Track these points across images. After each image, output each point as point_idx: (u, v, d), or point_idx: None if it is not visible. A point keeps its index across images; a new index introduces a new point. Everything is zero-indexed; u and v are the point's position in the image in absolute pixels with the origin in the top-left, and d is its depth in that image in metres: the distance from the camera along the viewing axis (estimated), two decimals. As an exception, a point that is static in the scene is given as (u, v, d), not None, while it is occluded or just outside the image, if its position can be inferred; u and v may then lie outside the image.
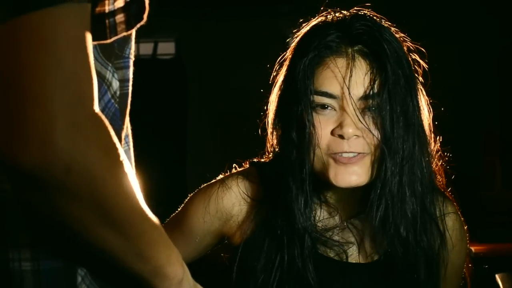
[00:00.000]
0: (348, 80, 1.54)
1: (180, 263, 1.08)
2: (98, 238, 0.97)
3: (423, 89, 1.65)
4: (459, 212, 1.73)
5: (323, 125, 1.55)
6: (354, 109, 1.53)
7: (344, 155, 1.54)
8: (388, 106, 1.53)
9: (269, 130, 1.68)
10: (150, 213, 1.02)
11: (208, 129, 6.94)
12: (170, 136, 6.62)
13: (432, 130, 1.66)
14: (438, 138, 1.69)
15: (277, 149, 1.68)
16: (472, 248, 3.27)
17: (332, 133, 1.55)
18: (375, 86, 1.54)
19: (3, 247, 0.99)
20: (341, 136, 1.53)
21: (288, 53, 1.65)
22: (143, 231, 1.00)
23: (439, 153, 1.70)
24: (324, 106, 1.56)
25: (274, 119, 1.66)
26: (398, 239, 1.58)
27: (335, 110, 1.56)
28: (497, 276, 3.39)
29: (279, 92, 1.65)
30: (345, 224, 1.65)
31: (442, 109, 1.68)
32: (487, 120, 6.42)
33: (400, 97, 1.55)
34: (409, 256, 1.60)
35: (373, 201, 1.56)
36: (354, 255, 1.65)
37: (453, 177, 1.74)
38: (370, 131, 1.53)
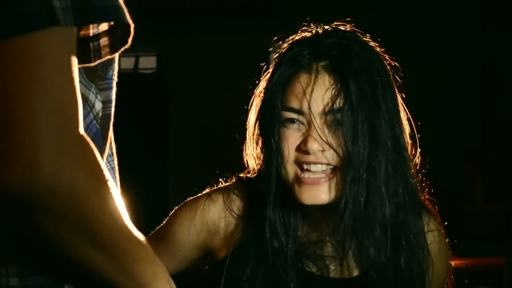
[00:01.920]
0: (309, 95, 1.55)
1: (166, 279, 1.09)
2: (84, 258, 0.98)
3: (403, 104, 1.64)
4: (441, 228, 1.72)
5: (290, 141, 1.57)
6: (318, 125, 1.54)
7: (312, 167, 1.54)
8: (351, 120, 1.53)
9: (249, 142, 1.69)
10: (136, 231, 1.03)
11: (189, 143, 6.93)
12: (151, 149, 6.61)
13: (412, 145, 1.65)
14: (418, 153, 1.68)
15: (260, 161, 1.69)
16: (452, 263, 3.27)
17: (298, 148, 1.56)
18: (337, 101, 1.54)
19: None
20: (307, 152, 1.55)
21: (270, 69, 1.67)
22: (129, 250, 1.01)
23: (419, 167, 1.69)
24: (292, 121, 1.57)
25: (253, 133, 1.67)
26: (368, 257, 1.59)
27: (303, 124, 1.57)
28: (477, 290, 3.40)
29: (256, 108, 1.67)
30: (327, 238, 1.65)
31: (419, 123, 1.68)
32: (468, 134, 6.44)
33: (366, 112, 1.54)
34: (386, 274, 1.60)
35: (338, 217, 1.56)
36: (335, 270, 1.65)
37: (433, 191, 1.74)
38: (331, 146, 1.54)
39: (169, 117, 6.92)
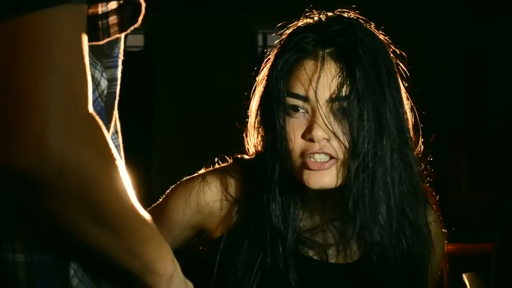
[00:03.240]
0: (315, 83, 1.54)
1: (171, 259, 1.09)
2: (89, 237, 0.98)
3: (406, 92, 1.63)
4: (439, 219, 1.71)
5: (295, 129, 1.55)
6: (321, 113, 1.53)
7: (316, 156, 1.53)
8: (357, 109, 1.52)
9: (250, 129, 1.68)
10: (142, 210, 1.03)
11: (175, 123, 6.91)
12: (136, 129, 6.58)
13: (415, 134, 1.65)
14: (421, 142, 1.68)
15: (259, 148, 1.68)
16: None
17: (303, 136, 1.55)
18: (344, 89, 1.53)
19: None
20: (312, 140, 1.53)
21: (271, 55, 1.65)
22: (134, 229, 1.01)
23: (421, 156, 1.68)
24: (296, 108, 1.56)
25: (255, 121, 1.66)
26: (372, 244, 1.58)
27: (307, 112, 1.55)
28: (464, 275, 3.39)
29: (259, 94, 1.65)
30: (325, 225, 1.65)
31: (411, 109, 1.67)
32: (454, 122, 6.45)
33: (372, 100, 1.53)
34: (387, 260, 1.59)
35: (343, 205, 1.56)
36: (334, 256, 1.65)
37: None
38: (335, 135, 1.53)
39: (155, 96, 6.90)
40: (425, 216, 1.65)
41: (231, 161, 1.73)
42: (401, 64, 1.64)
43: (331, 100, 1.53)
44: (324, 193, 1.58)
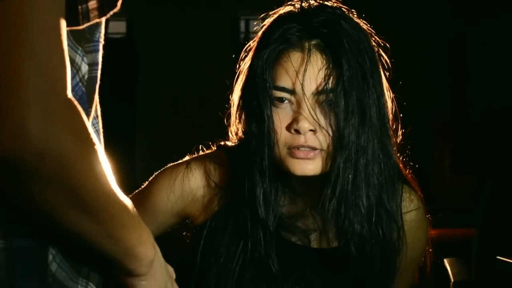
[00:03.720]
0: (302, 75, 1.54)
1: (151, 243, 1.09)
2: (69, 222, 0.98)
3: (386, 82, 1.64)
4: (422, 205, 1.73)
5: (281, 120, 1.56)
6: (307, 105, 1.54)
7: (301, 149, 1.54)
8: (343, 101, 1.53)
9: (233, 118, 1.69)
10: (121, 195, 1.03)
11: (158, 109, 6.89)
12: (119, 115, 6.55)
13: (394, 123, 1.66)
14: (400, 130, 1.69)
15: (241, 136, 1.68)
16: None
17: (288, 128, 1.55)
18: (330, 81, 1.54)
19: None
20: (297, 131, 1.54)
21: (253, 43, 1.65)
22: (114, 213, 1.02)
23: (403, 144, 1.70)
24: (281, 100, 1.56)
25: (237, 109, 1.66)
26: (352, 233, 1.59)
27: (292, 103, 1.56)
28: (445, 260, 3.42)
29: (242, 83, 1.65)
30: (308, 211, 1.66)
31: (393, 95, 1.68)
32: (437, 107, 6.47)
33: (357, 92, 1.54)
34: (364, 248, 1.61)
35: (326, 194, 1.57)
36: (316, 241, 1.67)
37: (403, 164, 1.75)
38: (322, 126, 1.54)
39: (138, 82, 6.88)
40: (402, 205, 1.67)
41: (215, 148, 1.74)
42: (383, 54, 1.65)
43: (318, 92, 1.54)
44: (308, 179, 1.59)
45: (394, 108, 1.66)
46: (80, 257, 1.05)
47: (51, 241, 1.02)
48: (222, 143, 1.74)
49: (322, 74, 1.54)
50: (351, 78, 1.53)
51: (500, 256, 2.69)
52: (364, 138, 1.55)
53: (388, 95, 1.64)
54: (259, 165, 1.59)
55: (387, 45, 1.65)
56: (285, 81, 1.55)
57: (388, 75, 1.65)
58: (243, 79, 1.64)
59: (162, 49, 6.81)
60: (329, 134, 1.53)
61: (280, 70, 1.57)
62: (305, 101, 1.54)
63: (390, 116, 1.64)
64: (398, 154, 1.70)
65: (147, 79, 6.85)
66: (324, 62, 1.55)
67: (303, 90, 1.54)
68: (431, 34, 6.66)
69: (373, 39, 1.63)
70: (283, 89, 1.56)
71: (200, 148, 1.75)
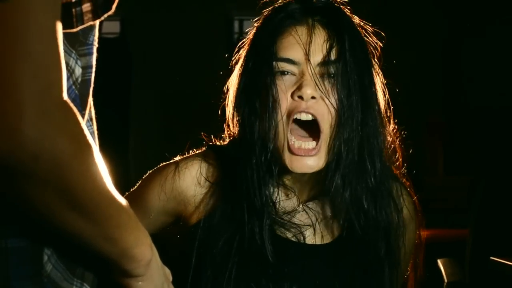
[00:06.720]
0: (307, 45, 1.60)
1: (149, 244, 1.10)
2: (65, 223, 0.98)
3: (379, 72, 1.69)
4: (411, 198, 1.75)
5: (286, 88, 1.60)
6: (312, 73, 1.58)
7: (302, 147, 1.57)
8: (345, 73, 1.59)
9: (229, 113, 1.70)
10: (118, 196, 1.03)
11: (152, 110, 6.89)
12: (113, 116, 6.55)
13: (386, 114, 1.69)
14: (393, 122, 1.71)
15: (235, 133, 1.70)
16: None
17: (292, 95, 1.59)
18: (333, 53, 1.60)
19: None
20: (301, 97, 1.58)
21: (250, 34, 1.70)
22: (111, 214, 1.02)
23: (397, 136, 1.72)
24: (284, 73, 1.61)
25: (236, 99, 1.68)
26: (357, 212, 1.62)
27: (294, 75, 1.61)
28: (439, 261, 3.42)
29: (241, 69, 1.68)
30: (302, 207, 1.68)
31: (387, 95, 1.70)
32: (430, 108, 6.47)
33: (357, 67, 1.60)
34: (368, 232, 1.63)
35: (331, 182, 1.60)
36: (310, 237, 1.68)
37: (396, 164, 1.76)
38: (326, 95, 1.58)
39: (132, 82, 6.87)
40: (396, 189, 1.70)
41: (205, 148, 1.75)
42: (375, 52, 1.68)
43: (321, 64, 1.60)
44: (304, 175, 1.62)
45: (386, 109, 1.69)
46: (75, 257, 1.05)
47: (46, 242, 1.02)
48: (212, 143, 1.76)
49: (326, 46, 1.61)
50: (352, 53, 1.60)
51: (493, 257, 2.70)
52: (365, 114, 1.60)
53: (380, 84, 1.68)
54: (257, 155, 1.61)
55: (382, 33, 1.70)
56: (289, 53, 1.61)
57: (381, 75, 1.69)
58: (242, 64, 1.68)
59: (155, 49, 6.80)
60: (331, 104, 1.58)
61: (284, 43, 1.63)
62: (309, 70, 1.59)
63: (384, 107, 1.68)
64: (390, 153, 1.71)
65: (140, 79, 6.85)
66: (327, 35, 1.62)
67: (309, 59, 1.59)
68: (423, 35, 6.67)
69: (366, 39, 1.68)
70: (288, 60, 1.61)
71: (191, 148, 1.76)
